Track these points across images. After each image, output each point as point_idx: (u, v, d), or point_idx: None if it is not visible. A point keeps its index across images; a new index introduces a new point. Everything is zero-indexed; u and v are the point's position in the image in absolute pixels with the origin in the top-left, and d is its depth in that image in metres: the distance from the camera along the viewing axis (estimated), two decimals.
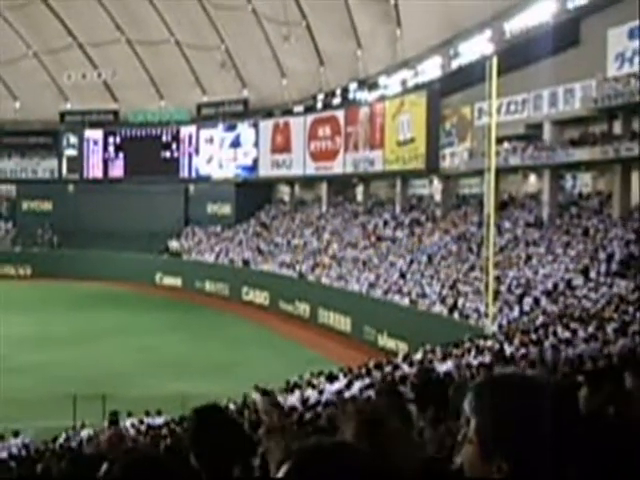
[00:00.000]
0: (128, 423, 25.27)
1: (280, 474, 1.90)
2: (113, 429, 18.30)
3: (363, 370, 27.45)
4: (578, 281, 34.29)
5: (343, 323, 46.56)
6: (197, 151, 73.12)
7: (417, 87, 53.55)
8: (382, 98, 57.02)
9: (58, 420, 27.26)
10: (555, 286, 34.81)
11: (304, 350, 41.85)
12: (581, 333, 22.81)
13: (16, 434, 24.33)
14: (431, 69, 52.73)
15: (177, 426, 22.32)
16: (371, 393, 20.92)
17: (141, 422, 25.23)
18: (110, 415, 21.70)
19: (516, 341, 24.97)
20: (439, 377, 4.93)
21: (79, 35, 72.51)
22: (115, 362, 38.96)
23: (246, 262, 61.18)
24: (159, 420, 25.54)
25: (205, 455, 3.68)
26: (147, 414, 26.24)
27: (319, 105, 64.16)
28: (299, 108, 66.05)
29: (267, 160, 68.33)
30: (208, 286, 62.44)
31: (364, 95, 59.58)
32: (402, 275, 45.17)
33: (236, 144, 70.45)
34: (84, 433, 24.38)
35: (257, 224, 68.22)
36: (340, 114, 61.02)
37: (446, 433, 4.51)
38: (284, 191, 71.93)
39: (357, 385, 24.02)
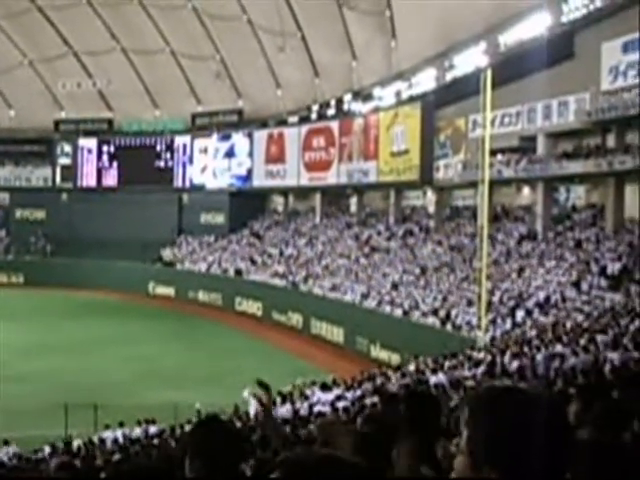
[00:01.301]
0: (115, 434, 25.26)
1: None
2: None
3: (355, 381, 27.47)
4: (571, 293, 34.34)
5: (336, 334, 46.51)
6: (191, 161, 73.11)
7: (412, 99, 53.65)
8: (376, 109, 57.12)
9: (49, 429, 27.15)
10: (547, 298, 34.84)
11: (296, 360, 41.77)
12: (573, 346, 22.81)
13: (6, 442, 24.25)
14: (426, 81, 52.86)
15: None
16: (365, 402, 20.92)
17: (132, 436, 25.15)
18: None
19: (508, 353, 24.97)
20: (428, 397, 4.82)
21: (74, 44, 72.57)
22: (107, 371, 38.85)
23: (239, 272, 61.11)
24: (152, 429, 25.51)
25: (208, 466, 3.68)
26: (139, 423, 26.21)
27: (313, 116, 64.23)
28: (294, 119, 66.13)
29: (261, 170, 68.34)
30: (201, 296, 62.34)
31: (358, 106, 59.68)
32: (395, 286, 45.16)
33: (230, 154, 70.45)
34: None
35: (250, 234, 68.19)
36: (334, 125, 61.09)
37: (443, 454, 4.49)
38: (278, 201, 71.94)
39: (349, 396, 24.02)
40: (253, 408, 26.83)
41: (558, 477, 2.05)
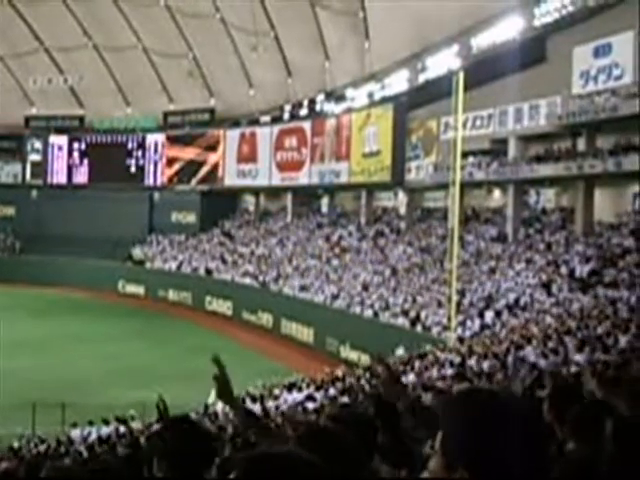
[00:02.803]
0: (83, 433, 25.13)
1: None
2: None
3: (325, 381, 27.47)
4: (540, 296, 34.53)
5: (306, 334, 46.53)
6: (162, 159, 72.82)
7: (384, 100, 53.75)
8: (349, 110, 57.19)
9: (16, 428, 26.95)
10: (517, 300, 35.02)
11: (267, 360, 41.74)
12: (542, 348, 22.93)
13: None
14: (398, 82, 52.95)
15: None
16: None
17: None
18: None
19: (478, 355, 25.07)
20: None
21: (46, 40, 72.10)
22: (76, 370, 38.61)
23: (209, 271, 60.97)
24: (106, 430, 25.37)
25: (177, 466, 3.66)
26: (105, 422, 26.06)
27: (286, 116, 64.21)
28: (266, 118, 66.08)
29: (233, 169, 68.23)
30: (171, 295, 62.15)
31: (331, 107, 59.72)
32: (365, 287, 45.22)
33: None
34: None
35: (221, 233, 68.04)
36: (307, 125, 61.11)
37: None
38: (249, 201, 71.85)
39: (319, 396, 24.02)
40: (220, 408, 26.79)
41: (534, 478, 2.06)
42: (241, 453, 2.07)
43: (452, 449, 2.06)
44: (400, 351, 32.14)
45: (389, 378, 4.46)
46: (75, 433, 25.21)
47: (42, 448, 23.16)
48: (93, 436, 24.43)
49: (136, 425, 25.18)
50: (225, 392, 4.50)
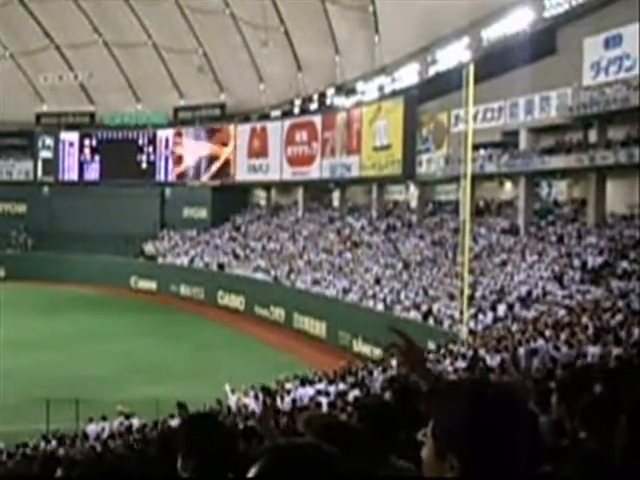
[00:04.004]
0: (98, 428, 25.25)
1: (252, 472, 1.91)
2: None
3: (338, 375, 27.51)
4: (552, 288, 34.47)
5: (318, 328, 46.55)
6: (174, 154, 72.91)
7: (394, 93, 53.69)
8: (359, 104, 57.12)
9: (31, 424, 27.09)
10: (529, 293, 34.97)
11: (279, 355, 41.80)
12: (555, 340, 22.92)
13: None
14: (408, 76, 52.88)
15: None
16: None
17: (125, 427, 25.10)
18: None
19: (490, 347, 25.06)
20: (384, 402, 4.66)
21: (56, 37, 72.21)
22: (90, 366, 38.67)
23: (221, 266, 61.04)
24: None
25: (204, 465, 3.60)
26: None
27: (296, 110, 64.21)
28: (276, 113, 66.07)
29: (244, 164, 68.27)
30: (183, 290, 62.24)
31: (341, 101, 59.66)
32: (377, 280, 45.22)
33: None
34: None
35: (233, 228, 68.09)
36: (317, 119, 61.08)
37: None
38: (260, 195, 71.86)
39: (332, 390, 24.05)
40: (233, 402, 26.88)
41: (523, 468, 2.08)
42: (261, 447, 2.08)
43: (441, 436, 2.09)
44: (431, 345, 31.89)
45: (408, 351, 4.05)
46: (91, 428, 25.34)
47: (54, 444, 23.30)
48: (106, 432, 24.57)
49: (136, 421, 25.33)
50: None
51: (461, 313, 34.66)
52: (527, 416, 2.13)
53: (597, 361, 17.52)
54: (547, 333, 24.64)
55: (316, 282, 49.70)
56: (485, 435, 2.02)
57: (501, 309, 34.53)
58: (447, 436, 2.08)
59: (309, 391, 25.26)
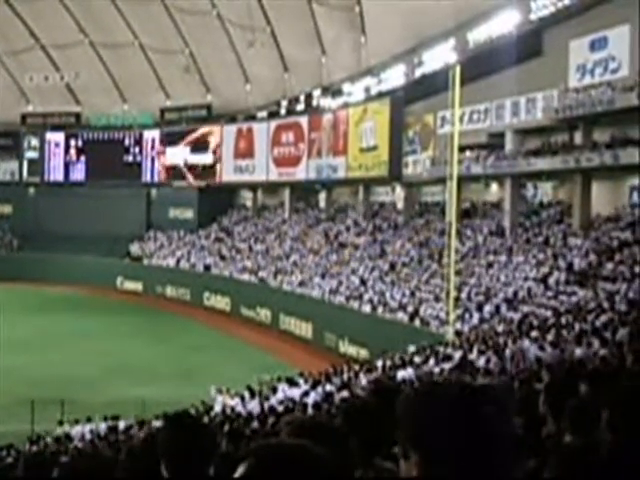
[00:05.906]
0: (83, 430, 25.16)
1: (239, 472, 1.91)
2: None
3: (323, 377, 27.50)
4: (538, 289, 34.57)
5: (304, 329, 46.54)
6: (159, 155, 72.78)
7: (381, 95, 53.74)
8: (346, 105, 57.15)
9: (15, 425, 26.98)
10: (515, 294, 35.06)
11: (265, 356, 41.77)
12: (541, 341, 22.96)
13: None
14: (395, 77, 52.93)
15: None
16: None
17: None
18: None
19: (476, 349, 25.10)
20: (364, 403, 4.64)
21: (42, 37, 71.97)
22: (75, 367, 38.57)
23: (208, 267, 60.99)
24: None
25: (181, 464, 3.61)
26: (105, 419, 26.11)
27: (283, 111, 64.22)
28: (263, 114, 66.06)
29: (230, 165, 68.20)
30: (169, 291, 62.15)
31: (328, 102, 59.67)
32: (363, 282, 45.24)
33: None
34: None
35: (219, 229, 68.04)
36: (304, 120, 61.08)
37: None
38: (246, 196, 71.81)
39: (318, 391, 24.03)
40: (219, 404, 26.84)
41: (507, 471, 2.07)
42: (248, 446, 2.07)
43: (405, 437, 2.11)
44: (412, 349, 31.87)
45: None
46: (75, 430, 25.25)
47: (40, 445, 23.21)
48: (88, 435, 24.47)
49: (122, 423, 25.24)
50: None
51: (447, 314, 34.70)
52: (507, 422, 2.12)
53: (582, 362, 17.56)
54: (533, 334, 24.68)
55: (302, 283, 49.70)
56: (447, 437, 2.01)
57: (487, 310, 34.61)
58: (405, 434, 2.10)
59: (295, 392, 25.24)
